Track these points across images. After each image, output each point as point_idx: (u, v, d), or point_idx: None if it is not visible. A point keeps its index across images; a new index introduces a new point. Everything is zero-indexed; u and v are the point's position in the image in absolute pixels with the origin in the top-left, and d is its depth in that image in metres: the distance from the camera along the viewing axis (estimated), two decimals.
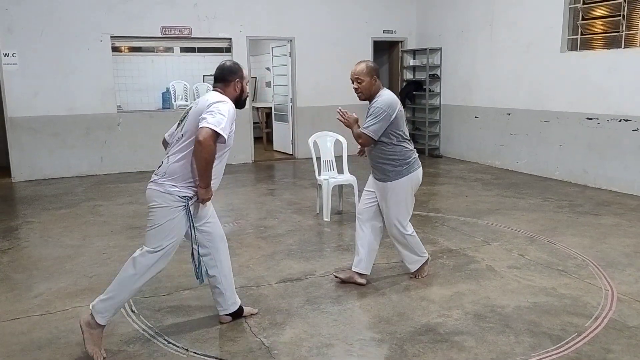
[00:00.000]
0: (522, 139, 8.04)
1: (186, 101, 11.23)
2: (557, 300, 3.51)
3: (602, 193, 6.57)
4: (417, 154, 3.78)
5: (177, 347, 2.99)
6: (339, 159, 5.81)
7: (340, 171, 5.82)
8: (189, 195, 2.87)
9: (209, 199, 2.93)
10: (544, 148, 7.65)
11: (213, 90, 3.01)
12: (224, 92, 2.98)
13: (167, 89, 10.78)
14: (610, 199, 6.28)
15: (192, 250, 2.99)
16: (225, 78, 2.99)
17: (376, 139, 3.52)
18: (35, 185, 7.60)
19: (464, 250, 4.54)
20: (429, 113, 9.81)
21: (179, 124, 3.00)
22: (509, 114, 8.24)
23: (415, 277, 3.90)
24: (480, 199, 6.41)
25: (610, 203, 6.07)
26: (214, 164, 2.83)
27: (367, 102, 3.62)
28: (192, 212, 2.90)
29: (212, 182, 2.88)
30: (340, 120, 3.64)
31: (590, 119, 6.91)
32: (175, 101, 10.83)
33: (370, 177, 3.80)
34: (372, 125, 3.49)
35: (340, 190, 5.87)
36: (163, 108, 10.15)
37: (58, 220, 5.72)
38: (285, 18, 9.32)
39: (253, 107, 10.06)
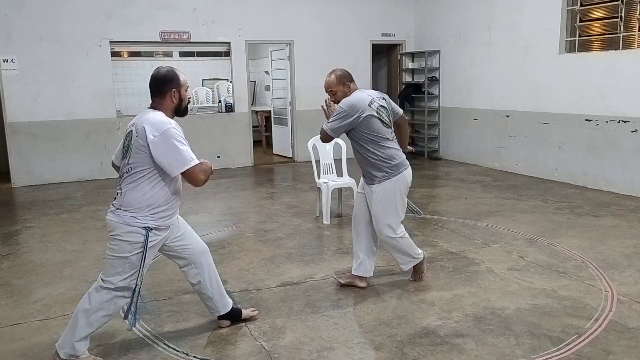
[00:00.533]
0: (521, 140, 8.05)
1: None
2: (557, 302, 3.51)
3: (601, 194, 6.57)
4: (405, 155, 3.69)
5: (177, 351, 2.99)
6: (338, 162, 5.82)
7: (339, 174, 5.83)
8: (149, 225, 2.73)
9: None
10: (543, 150, 7.65)
11: (150, 107, 2.82)
12: (162, 107, 2.80)
13: None
14: (609, 200, 6.28)
15: (135, 287, 2.78)
16: (160, 90, 2.79)
17: (334, 136, 3.57)
18: (35, 191, 7.60)
19: (463, 253, 4.54)
20: (428, 115, 9.83)
21: (123, 152, 2.80)
22: (508, 116, 8.26)
23: (415, 280, 3.90)
24: (479, 201, 6.42)
25: (609, 204, 6.07)
26: (170, 184, 2.79)
27: None
28: (151, 243, 2.76)
29: (172, 202, 2.82)
30: (322, 109, 3.69)
31: (589, 120, 6.92)
32: None
33: (362, 179, 3.78)
34: (330, 122, 3.51)
35: (340, 193, 5.88)
36: None
37: (58, 225, 5.72)
38: (284, 22, 9.34)
39: (252, 110, 10.07)
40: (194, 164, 2.67)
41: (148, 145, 2.64)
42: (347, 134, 3.58)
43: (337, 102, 3.54)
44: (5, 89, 7.70)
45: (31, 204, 6.77)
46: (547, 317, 3.30)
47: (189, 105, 2.98)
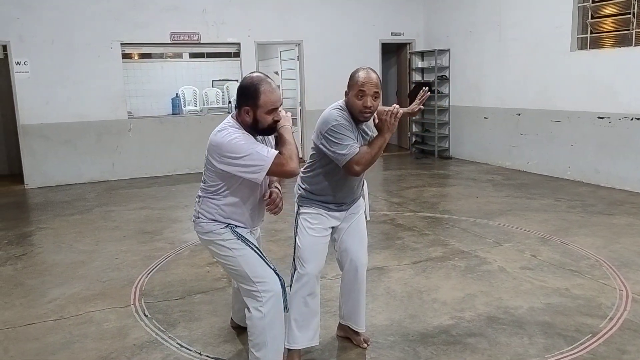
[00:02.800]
0: (532, 139, 7.99)
1: (195, 106, 11.31)
2: (571, 301, 3.48)
3: (614, 193, 6.50)
4: None
5: (190, 350, 3.01)
6: None
7: None
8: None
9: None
10: (555, 148, 7.59)
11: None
12: (237, 118, 2.48)
13: (177, 94, 10.87)
14: (623, 198, 6.21)
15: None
16: (237, 101, 2.46)
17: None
18: (48, 192, 7.67)
19: (475, 252, 4.51)
20: (438, 115, 9.79)
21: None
22: (519, 114, 8.20)
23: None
24: (491, 199, 6.38)
25: (623, 202, 6.01)
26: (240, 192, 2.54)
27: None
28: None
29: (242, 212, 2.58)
30: (393, 117, 2.54)
31: (602, 118, 6.85)
32: (184, 107, 10.91)
33: (325, 214, 2.76)
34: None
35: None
36: (173, 113, 10.23)
37: (71, 226, 5.76)
38: (293, 22, 9.35)
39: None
40: (262, 170, 2.37)
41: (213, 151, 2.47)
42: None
43: (371, 113, 2.59)
44: (18, 92, 7.78)
45: (44, 205, 6.83)
46: (560, 316, 3.28)
47: (272, 128, 2.47)
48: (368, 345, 2.99)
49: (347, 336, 3.05)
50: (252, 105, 2.39)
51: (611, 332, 3.05)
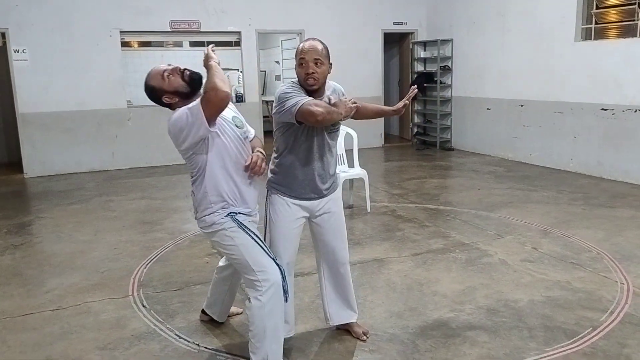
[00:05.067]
0: (535, 130, 7.94)
1: None
2: (572, 294, 3.46)
3: (617, 185, 6.46)
4: None
5: (188, 342, 2.99)
6: (349, 152, 5.77)
7: (350, 165, 5.77)
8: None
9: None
10: (558, 140, 7.54)
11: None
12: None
13: None
14: (625, 191, 6.18)
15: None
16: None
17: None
18: (47, 181, 7.65)
19: (476, 244, 4.49)
20: (440, 105, 9.72)
21: None
22: (522, 105, 8.14)
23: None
24: (492, 191, 6.34)
25: (625, 195, 5.97)
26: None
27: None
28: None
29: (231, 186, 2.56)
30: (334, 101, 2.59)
31: (605, 109, 6.79)
32: None
33: (293, 205, 2.69)
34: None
35: (351, 184, 5.83)
36: None
37: (70, 215, 5.74)
38: (295, 11, 9.26)
39: (263, 100, 10.03)
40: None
41: None
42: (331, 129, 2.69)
43: (316, 80, 2.52)
44: (17, 80, 7.73)
45: (43, 195, 6.81)
46: (561, 309, 3.25)
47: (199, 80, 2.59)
48: (367, 337, 2.97)
49: (347, 328, 3.03)
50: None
51: (612, 326, 3.03)
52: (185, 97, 2.54)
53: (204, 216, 2.55)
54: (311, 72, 2.51)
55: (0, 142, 9.16)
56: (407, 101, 2.84)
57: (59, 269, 4.16)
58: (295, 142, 2.63)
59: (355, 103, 2.63)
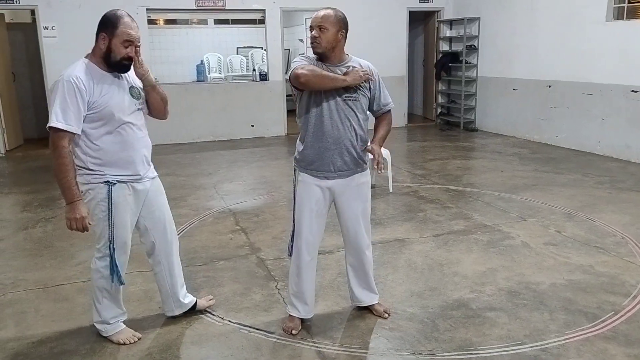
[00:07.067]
0: (562, 112, 7.79)
1: (220, 74, 11.29)
2: (594, 278, 3.45)
3: None
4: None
5: (213, 315, 3.08)
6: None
7: None
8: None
9: (74, 220, 2.61)
10: (586, 122, 7.40)
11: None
12: (92, 52, 2.58)
13: (201, 61, 10.85)
14: None
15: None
16: (97, 31, 2.54)
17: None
18: None
19: (498, 226, 4.48)
20: (465, 85, 9.59)
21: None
22: (550, 86, 7.98)
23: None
24: (516, 173, 6.28)
25: None
26: (109, 140, 2.66)
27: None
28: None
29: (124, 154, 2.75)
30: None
31: (635, 91, 6.63)
32: (209, 74, 10.90)
33: (314, 182, 2.75)
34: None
35: (370, 164, 5.82)
36: (197, 80, 10.24)
37: None
38: None
39: (286, 79, 10.04)
40: (52, 125, 2.53)
41: None
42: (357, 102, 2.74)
43: (317, 44, 2.59)
44: (47, 56, 7.87)
45: None
46: (583, 293, 3.25)
47: (133, 63, 2.63)
48: (389, 315, 3.02)
49: (368, 307, 3.08)
50: (109, 33, 2.48)
51: (634, 310, 3.02)
52: (106, 62, 2.55)
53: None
54: (315, 35, 2.60)
55: (30, 119, 9.35)
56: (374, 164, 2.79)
57: (89, 242, 4.26)
58: (307, 110, 2.70)
59: (367, 74, 2.67)
